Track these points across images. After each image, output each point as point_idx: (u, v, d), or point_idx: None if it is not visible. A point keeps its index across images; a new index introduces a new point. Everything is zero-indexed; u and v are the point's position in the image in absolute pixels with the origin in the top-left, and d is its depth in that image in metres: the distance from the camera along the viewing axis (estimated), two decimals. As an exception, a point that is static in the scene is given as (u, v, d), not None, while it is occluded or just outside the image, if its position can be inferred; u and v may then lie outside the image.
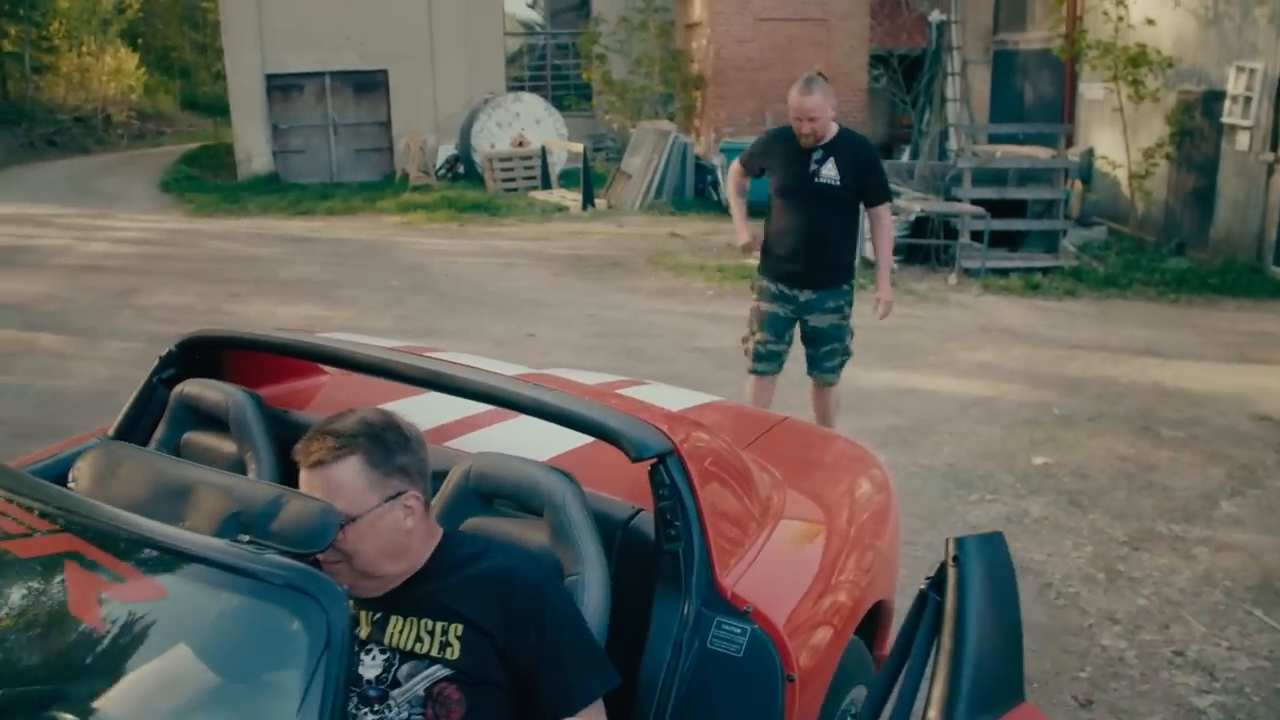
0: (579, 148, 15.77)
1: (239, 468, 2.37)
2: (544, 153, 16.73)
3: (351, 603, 1.48)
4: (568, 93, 20.02)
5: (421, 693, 1.78)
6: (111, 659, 1.47)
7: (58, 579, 1.54)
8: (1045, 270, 10.31)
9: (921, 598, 1.72)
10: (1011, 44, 15.16)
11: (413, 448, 1.86)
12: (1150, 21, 10.87)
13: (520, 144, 17.46)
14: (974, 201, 10.47)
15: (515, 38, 20.53)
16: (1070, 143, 12.30)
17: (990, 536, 1.74)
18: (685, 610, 1.98)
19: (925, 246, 10.63)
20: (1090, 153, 12.51)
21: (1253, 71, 9.99)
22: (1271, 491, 5.13)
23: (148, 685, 1.45)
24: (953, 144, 15.16)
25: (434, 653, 1.79)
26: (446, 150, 18.50)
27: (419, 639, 1.81)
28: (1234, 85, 10.22)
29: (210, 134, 30.66)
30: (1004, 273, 10.26)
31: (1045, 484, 5.18)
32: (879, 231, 4.90)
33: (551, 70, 20.55)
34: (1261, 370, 7.25)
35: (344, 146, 19.38)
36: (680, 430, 2.15)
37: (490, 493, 2.11)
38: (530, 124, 17.66)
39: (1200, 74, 10.89)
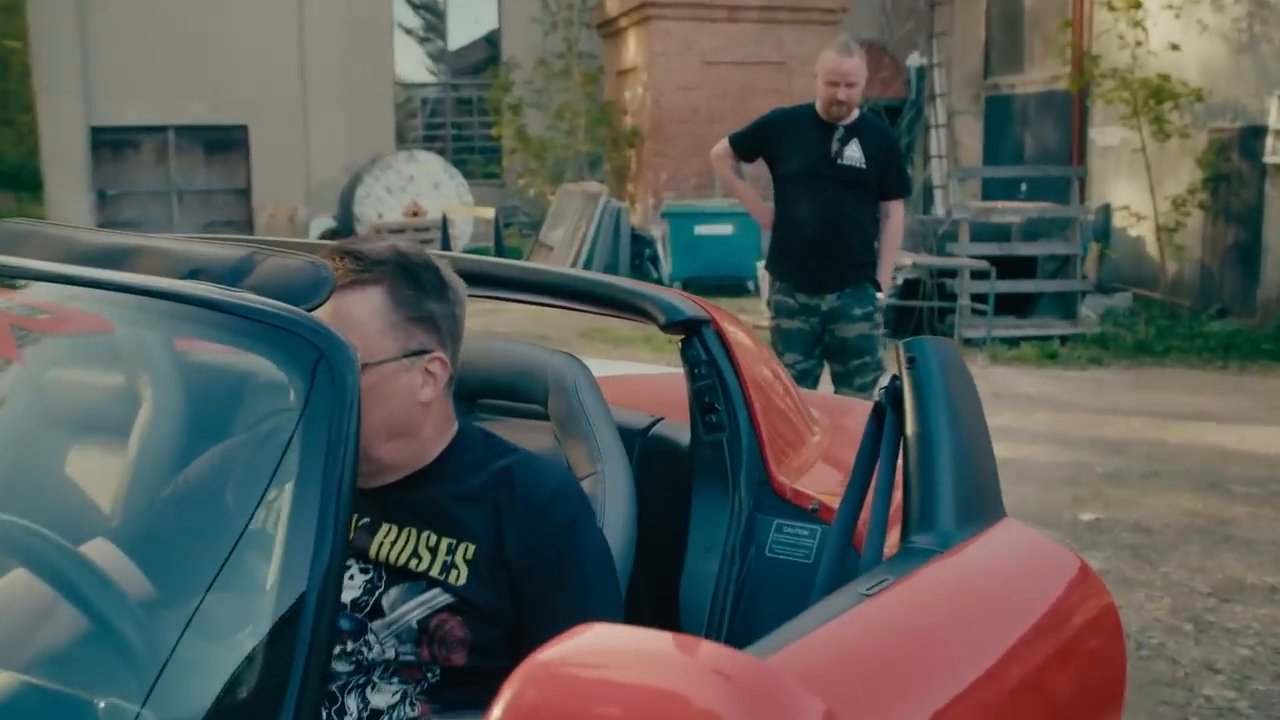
0: (489, 213, 15.77)
1: (130, 403, 2.15)
2: (445, 222, 16.67)
3: None
4: (471, 155, 20.15)
5: (414, 625, 1.66)
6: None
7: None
8: (1064, 339, 10.38)
9: (878, 411, 1.84)
10: (1006, 88, 15.62)
11: (450, 298, 1.77)
12: (1174, 47, 11.24)
13: (415, 213, 17.44)
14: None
15: (407, 89, 20.70)
16: (1083, 192, 12.56)
17: (940, 339, 1.88)
18: (735, 511, 1.98)
19: (916, 312, 10.66)
20: (1107, 208, 12.78)
21: (1297, 101, 10.33)
22: (1379, 543, 5.11)
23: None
24: (939, 208, 15.44)
25: (435, 573, 1.69)
26: (322, 223, 18.39)
27: (415, 555, 1.70)
28: (1276, 118, 10.56)
29: (14, 211, 30.25)
30: (1013, 342, 10.31)
31: (1100, 539, 5.18)
32: (889, 226, 5.13)
33: (452, 129, 20.71)
34: (1339, 431, 7.34)
35: (190, 218, 19.17)
36: (715, 312, 2.16)
37: (477, 387, 2.07)
38: (427, 189, 17.68)
39: (1235, 108, 11.24)
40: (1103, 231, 12.67)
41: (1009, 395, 8.50)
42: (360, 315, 1.67)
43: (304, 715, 1.14)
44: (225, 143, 19.14)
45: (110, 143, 18.78)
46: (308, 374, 1.30)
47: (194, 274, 1.46)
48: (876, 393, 1.86)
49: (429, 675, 1.67)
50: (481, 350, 2.07)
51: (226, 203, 19.31)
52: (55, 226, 1.65)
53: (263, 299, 1.35)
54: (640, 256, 16.01)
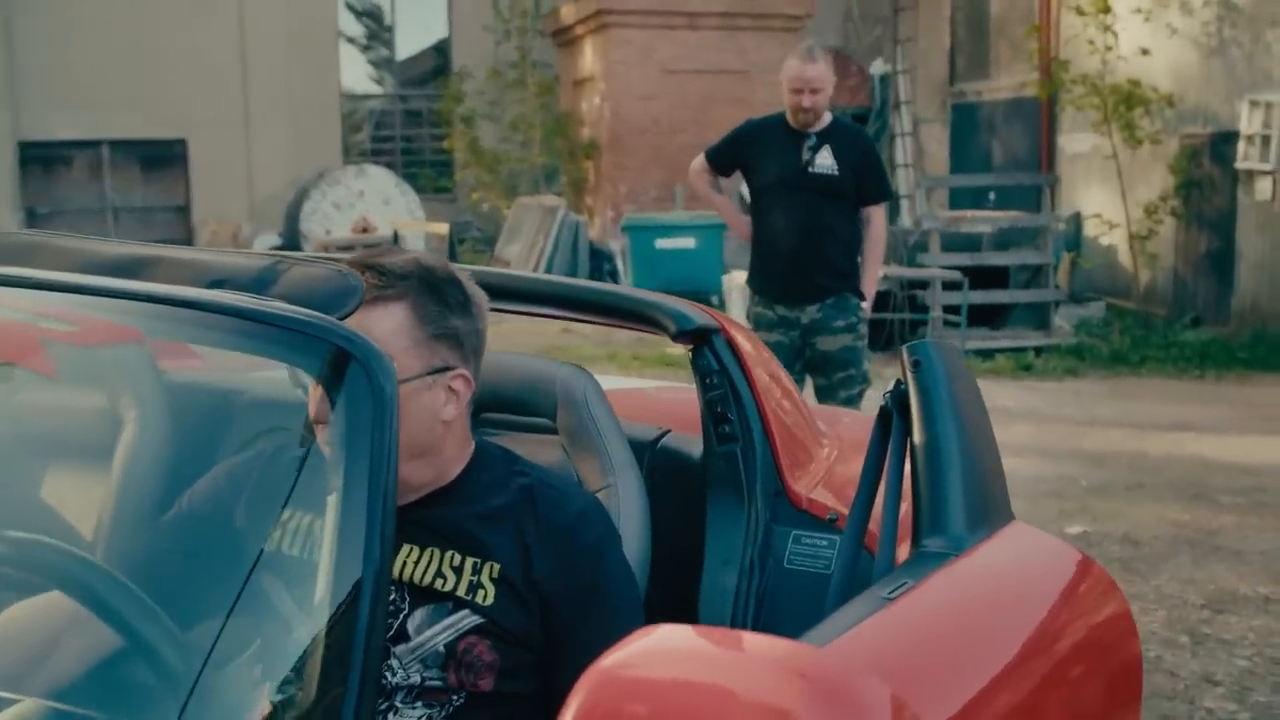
0: (443, 229, 15.78)
1: (111, 424, 2.15)
2: (396, 239, 16.65)
3: None
4: (422, 168, 20.10)
5: (442, 649, 1.67)
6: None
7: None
8: (1038, 350, 10.52)
9: (884, 416, 1.90)
10: (973, 95, 15.83)
11: (474, 313, 1.78)
12: (1144, 52, 11.43)
13: (365, 229, 17.37)
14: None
15: (354, 100, 20.66)
16: (1053, 200, 12.73)
17: (943, 342, 1.97)
18: (752, 523, 2.01)
19: (887, 325, 10.75)
20: (1078, 217, 12.97)
21: (1269, 106, 10.55)
22: (1369, 551, 5.22)
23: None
24: (905, 218, 15.58)
25: (462, 593, 1.70)
26: (266, 240, 18.29)
27: (440, 575, 1.71)
28: (1248, 124, 10.77)
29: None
30: (988, 354, 10.43)
31: (1089, 552, 5.18)
32: (871, 233, 5.17)
33: (401, 142, 20.69)
34: (1322, 439, 7.48)
35: (127, 237, 18.88)
36: (725, 321, 2.21)
37: (484, 400, 2.06)
38: (377, 204, 17.64)
39: (1207, 113, 11.46)
40: (1074, 240, 12.86)
41: (987, 408, 8.60)
42: (383, 332, 1.65)
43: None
44: (163, 157, 19.02)
45: (40, 158, 18.60)
46: (345, 383, 1.31)
47: (218, 284, 1.45)
48: (883, 397, 1.92)
49: (454, 699, 1.67)
50: (487, 363, 2.09)
51: (165, 220, 19.18)
52: (67, 237, 1.66)
53: (295, 307, 1.35)
54: (599, 271, 16.03)
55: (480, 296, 1.81)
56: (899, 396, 1.88)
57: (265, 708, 1.22)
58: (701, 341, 2.06)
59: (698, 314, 2.08)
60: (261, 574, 1.45)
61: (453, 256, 15.11)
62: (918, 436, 1.82)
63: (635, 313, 2.11)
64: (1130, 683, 1.99)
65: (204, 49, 18.53)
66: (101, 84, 18.11)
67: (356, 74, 21.03)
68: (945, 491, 1.77)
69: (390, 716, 1.67)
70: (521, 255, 15.69)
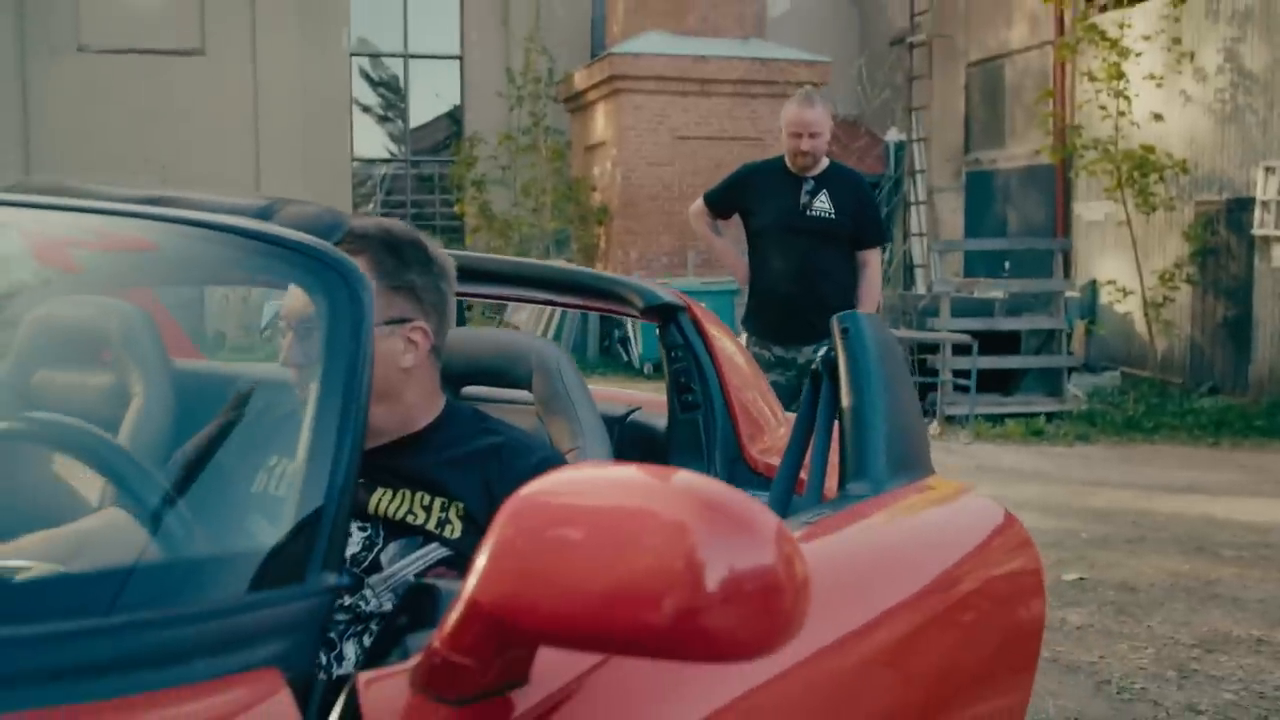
0: (449, 291, 15.92)
1: (120, 400, 2.30)
2: (402, 301, 16.87)
3: None
4: (433, 233, 20.22)
5: (412, 579, 1.81)
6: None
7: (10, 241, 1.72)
8: (1049, 416, 10.59)
9: (815, 377, 2.10)
10: (988, 163, 16.03)
11: (434, 271, 1.94)
12: (1157, 117, 11.62)
13: (371, 292, 17.56)
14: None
15: (367, 165, 21.00)
16: (1067, 268, 12.86)
17: (871, 314, 2.20)
18: None
19: (898, 388, 10.84)
20: (1093, 284, 13.09)
21: (1283, 171, 10.69)
22: (1369, 600, 5.26)
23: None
24: (920, 286, 15.73)
25: (430, 527, 1.85)
26: (276, 304, 18.48)
27: (411, 512, 1.87)
28: (1263, 190, 10.92)
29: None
30: (997, 419, 10.52)
31: (1083, 597, 5.33)
32: (866, 276, 5.29)
33: (412, 207, 20.98)
34: (1332, 500, 7.52)
35: (143, 301, 19.29)
36: (692, 304, 2.40)
37: (462, 371, 2.24)
38: (384, 268, 17.83)
39: (1221, 180, 11.61)
40: (1089, 308, 12.96)
41: (993, 469, 8.67)
42: None
43: (330, 565, 1.27)
44: (173, 220, 19.27)
45: (51, 219, 18.89)
46: (330, 293, 1.48)
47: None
48: (815, 361, 2.11)
49: None
50: (466, 337, 2.25)
51: (173, 283, 19.39)
52: (82, 182, 1.83)
53: (294, 232, 1.55)
54: (610, 338, 16.21)
55: (444, 258, 1.97)
56: (828, 361, 2.06)
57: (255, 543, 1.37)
58: (668, 318, 2.24)
59: (665, 293, 2.26)
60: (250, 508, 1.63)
61: (461, 320, 15.25)
62: (845, 395, 1.99)
63: (604, 290, 2.30)
64: (1029, 641, 2.10)
65: (218, 115, 18.90)
66: (116, 148, 18.46)
67: (369, 140, 21.36)
68: (868, 442, 1.93)
69: (365, 638, 1.81)
70: (530, 321, 15.87)
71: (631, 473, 1.09)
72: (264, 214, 1.60)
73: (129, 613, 1.13)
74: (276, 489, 1.69)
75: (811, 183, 5.18)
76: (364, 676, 1.16)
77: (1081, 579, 5.57)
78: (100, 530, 1.59)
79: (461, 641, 1.11)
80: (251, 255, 1.56)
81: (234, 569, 1.25)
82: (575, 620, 1.06)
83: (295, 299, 1.84)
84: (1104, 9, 12.78)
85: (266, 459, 1.78)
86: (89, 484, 1.95)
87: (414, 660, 1.17)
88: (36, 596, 1.18)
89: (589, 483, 1.10)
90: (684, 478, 1.07)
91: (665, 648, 1.06)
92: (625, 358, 15.64)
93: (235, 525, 1.63)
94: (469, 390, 2.34)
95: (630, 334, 15.47)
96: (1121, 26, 11.85)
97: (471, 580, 1.09)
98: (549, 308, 16.10)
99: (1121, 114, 11.70)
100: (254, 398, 1.91)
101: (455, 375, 2.23)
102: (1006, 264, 14.16)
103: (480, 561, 1.09)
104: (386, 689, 1.16)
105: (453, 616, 1.12)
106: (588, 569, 1.04)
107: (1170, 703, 4.05)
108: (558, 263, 2.50)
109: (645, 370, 14.50)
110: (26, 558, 1.46)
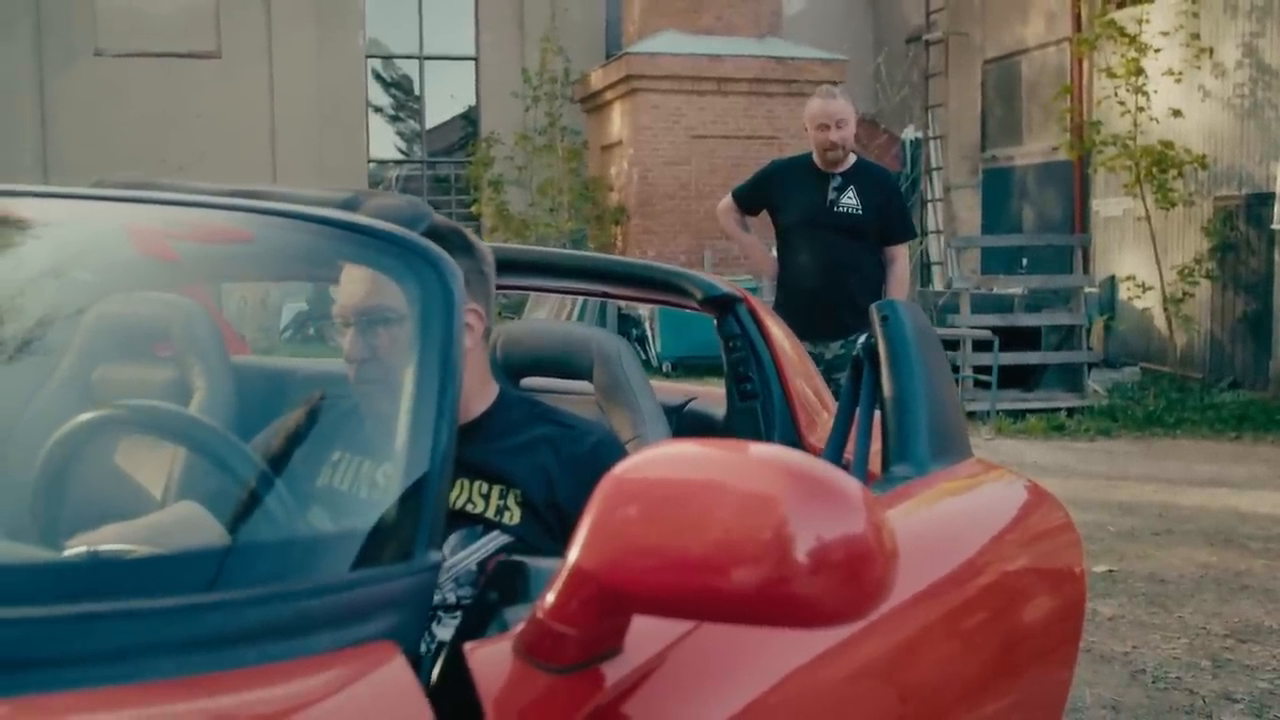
0: (467, 291, 15.97)
1: (182, 394, 2.34)
2: (420, 302, 16.90)
3: None
4: (449, 235, 20.40)
5: (475, 567, 1.81)
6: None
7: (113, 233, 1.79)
8: (1070, 411, 10.61)
9: (857, 364, 2.18)
10: (1005, 161, 16.03)
11: (477, 256, 1.98)
12: (1176, 113, 11.61)
13: (389, 293, 17.62)
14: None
15: (382, 166, 21.07)
16: (1086, 264, 12.86)
17: (909, 302, 2.28)
18: None
19: (919, 384, 10.87)
20: (1112, 280, 13.09)
21: (1303, 166, 10.69)
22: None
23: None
24: (937, 283, 15.74)
25: (490, 515, 1.89)
26: (294, 306, 18.57)
27: (470, 501, 1.91)
28: (1283, 184, 10.90)
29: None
30: (1019, 415, 10.53)
31: (1114, 588, 5.35)
32: (894, 272, 5.32)
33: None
34: (1358, 493, 7.53)
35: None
36: (748, 295, 2.46)
37: (524, 363, 2.30)
38: (402, 269, 17.88)
39: (1241, 175, 11.60)
40: (1109, 305, 12.96)
41: (1016, 464, 8.66)
42: None
43: (435, 544, 1.32)
44: (191, 223, 19.35)
45: (71, 222, 18.98)
46: (423, 281, 1.53)
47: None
48: (857, 348, 2.19)
49: None
50: (527, 330, 2.35)
51: (191, 285, 19.48)
52: (166, 180, 1.88)
53: (385, 223, 1.59)
54: (628, 337, 16.23)
55: (483, 247, 2.03)
56: (869, 348, 2.13)
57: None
58: (726, 309, 2.29)
59: (723, 285, 2.33)
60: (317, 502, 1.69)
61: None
62: (886, 381, 2.05)
63: (664, 283, 2.35)
64: (1073, 614, 2.15)
65: (235, 118, 18.99)
66: (133, 150, 18.52)
67: (384, 141, 21.43)
68: (911, 426, 1.99)
69: (434, 626, 1.85)
70: (549, 317, 15.90)
71: (723, 447, 1.13)
72: (349, 205, 1.63)
73: (246, 588, 1.17)
74: (341, 483, 1.74)
75: (839, 179, 5.23)
76: (470, 645, 1.20)
77: (1111, 571, 5.59)
78: (186, 518, 1.61)
79: (564, 610, 1.15)
80: (344, 246, 1.61)
81: (346, 547, 1.29)
82: (673, 587, 1.10)
83: (352, 293, 1.87)
84: (1121, 5, 12.77)
85: (329, 454, 1.82)
86: (152, 477, 2.00)
87: (516, 630, 1.21)
88: (167, 571, 1.22)
89: (683, 457, 1.14)
90: (775, 450, 1.11)
91: (758, 613, 1.10)
92: (643, 356, 15.65)
93: (326, 511, 1.69)
94: (528, 381, 2.38)
95: (649, 333, 15.47)
96: (1140, 22, 11.85)
97: (574, 551, 1.13)
98: (566, 305, 16.16)
99: (1140, 110, 11.69)
100: (316, 394, 1.95)
101: (517, 367, 2.28)
102: (1024, 261, 14.15)
103: (581, 533, 1.13)
104: (492, 654, 1.20)
105: (555, 586, 1.16)
106: (684, 538, 1.09)
107: (1206, 691, 4.09)
108: (618, 257, 2.56)
109: (664, 369, 14.51)
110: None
